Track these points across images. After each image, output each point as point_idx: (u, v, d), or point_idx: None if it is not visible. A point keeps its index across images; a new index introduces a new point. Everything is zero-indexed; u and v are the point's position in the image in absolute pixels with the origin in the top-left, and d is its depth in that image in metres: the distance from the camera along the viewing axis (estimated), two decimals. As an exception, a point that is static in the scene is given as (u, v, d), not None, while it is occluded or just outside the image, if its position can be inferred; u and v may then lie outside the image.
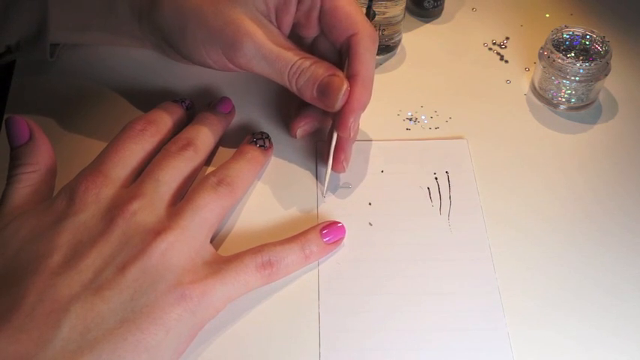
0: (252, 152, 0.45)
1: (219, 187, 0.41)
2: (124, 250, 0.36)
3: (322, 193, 0.45)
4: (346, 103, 0.43)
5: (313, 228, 0.42)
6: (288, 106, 0.51)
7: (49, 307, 0.33)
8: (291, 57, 0.43)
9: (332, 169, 0.45)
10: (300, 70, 0.43)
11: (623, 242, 0.44)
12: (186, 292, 0.36)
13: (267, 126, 0.51)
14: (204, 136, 0.45)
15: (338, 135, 0.44)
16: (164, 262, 0.36)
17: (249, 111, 0.51)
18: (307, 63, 0.43)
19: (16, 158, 0.40)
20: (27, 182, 0.39)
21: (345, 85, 0.42)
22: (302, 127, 0.47)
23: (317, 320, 0.40)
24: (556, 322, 0.41)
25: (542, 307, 0.41)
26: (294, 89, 0.44)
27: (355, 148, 0.49)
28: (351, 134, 0.44)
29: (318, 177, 0.47)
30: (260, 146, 0.46)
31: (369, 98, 0.45)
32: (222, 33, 0.43)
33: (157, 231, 0.37)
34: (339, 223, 0.43)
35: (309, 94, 0.43)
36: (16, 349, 0.32)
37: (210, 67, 0.46)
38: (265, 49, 0.43)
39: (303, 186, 0.47)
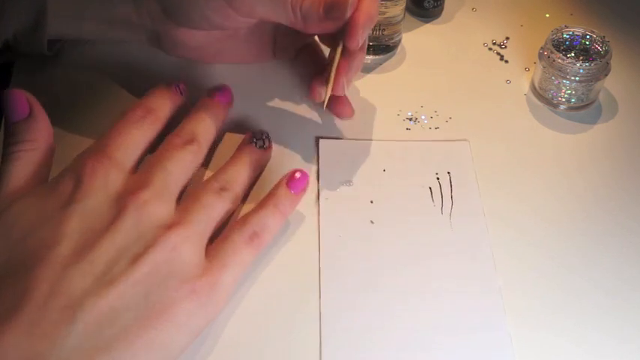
0: (253, 155, 0.45)
1: (223, 192, 0.42)
2: (137, 242, 0.36)
3: (323, 106, 0.45)
4: (355, 12, 0.42)
5: (279, 184, 0.43)
6: (290, 99, 0.50)
7: (63, 301, 0.32)
8: None
9: (332, 90, 0.44)
10: None
11: (623, 242, 0.44)
12: (196, 288, 0.36)
13: (266, 121, 0.50)
14: (205, 131, 0.45)
15: (344, 47, 0.43)
16: (174, 257, 0.36)
17: (247, 106, 0.51)
18: None
19: (13, 134, 0.38)
20: (25, 160, 0.38)
21: None
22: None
23: (318, 318, 0.40)
24: (557, 322, 0.41)
25: (544, 308, 0.41)
26: (298, 19, 0.43)
27: (357, 147, 0.49)
28: (359, 43, 0.42)
29: (319, 173, 0.47)
30: (260, 147, 0.46)
31: (377, 11, 0.44)
32: None
33: (168, 225, 0.37)
34: (299, 172, 0.43)
35: (316, 17, 0.42)
36: (32, 345, 0.31)
37: (211, 25, 0.45)
38: None
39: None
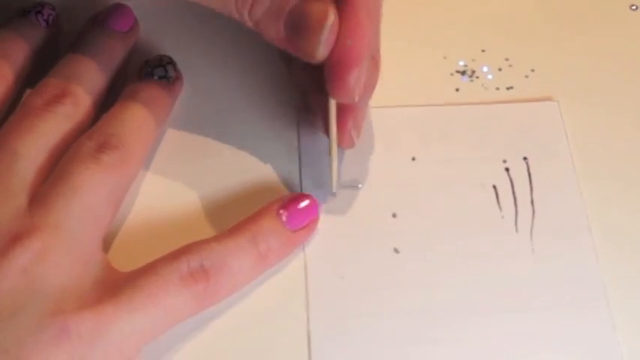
0: (149, 91, 0.37)
1: (102, 154, 0.34)
2: None
3: (332, 189, 0.37)
4: (336, 47, 0.33)
5: (265, 210, 0.35)
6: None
7: None
8: None
9: (339, 144, 0.37)
10: None
11: None
12: (70, 325, 0.30)
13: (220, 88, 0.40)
14: (87, 76, 0.37)
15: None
16: (30, 282, 0.31)
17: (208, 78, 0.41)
18: None
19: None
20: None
21: (332, 17, 0.32)
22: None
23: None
24: None
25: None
26: (248, 24, 0.34)
27: (367, 120, 0.40)
28: (356, 96, 0.34)
29: (301, 165, 0.38)
30: (160, 78, 0.38)
31: (378, 35, 0.34)
32: None
33: (15, 235, 0.32)
34: (306, 199, 0.35)
35: (275, 34, 0.34)
36: None
37: None
38: None
39: (274, 167, 0.38)
